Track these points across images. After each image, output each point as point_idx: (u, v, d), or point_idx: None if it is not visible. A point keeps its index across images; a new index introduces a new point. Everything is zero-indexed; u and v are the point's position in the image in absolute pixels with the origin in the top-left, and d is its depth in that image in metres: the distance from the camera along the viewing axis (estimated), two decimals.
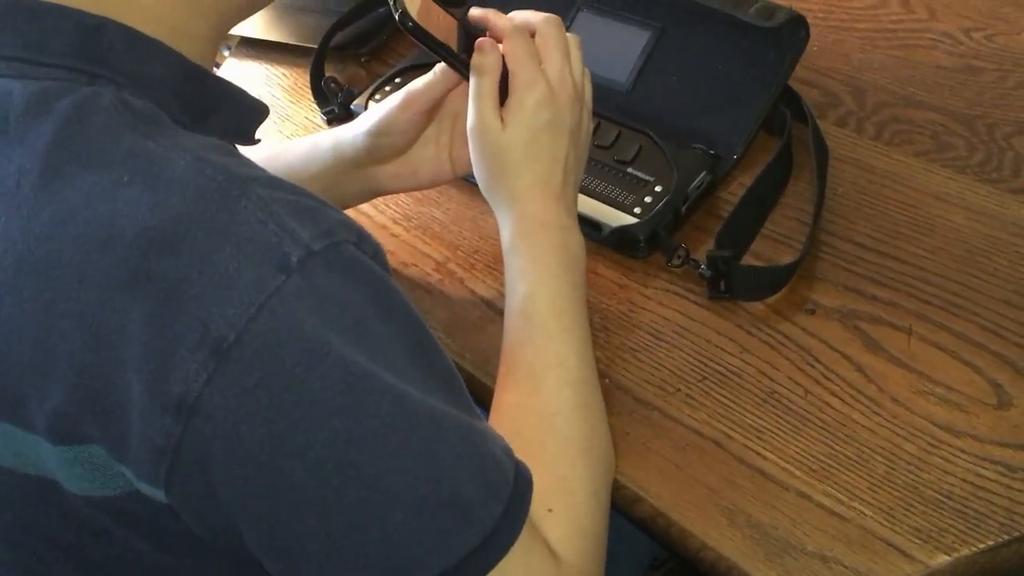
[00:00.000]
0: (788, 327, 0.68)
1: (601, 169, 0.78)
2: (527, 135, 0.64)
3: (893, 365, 0.65)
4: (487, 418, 0.61)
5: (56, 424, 0.46)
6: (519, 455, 0.52)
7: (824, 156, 0.77)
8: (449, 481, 0.47)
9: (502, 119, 0.65)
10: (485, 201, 0.68)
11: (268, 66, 1.02)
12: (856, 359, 0.66)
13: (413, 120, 0.71)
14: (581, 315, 0.63)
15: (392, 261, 0.73)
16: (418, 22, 0.62)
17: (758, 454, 0.62)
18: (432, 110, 0.72)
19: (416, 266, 0.78)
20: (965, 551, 0.56)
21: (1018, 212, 0.73)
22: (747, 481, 0.61)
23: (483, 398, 0.67)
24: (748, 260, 0.73)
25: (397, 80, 0.89)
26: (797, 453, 0.62)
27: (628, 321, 0.71)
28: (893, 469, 0.60)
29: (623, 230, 0.74)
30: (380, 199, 0.81)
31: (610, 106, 0.81)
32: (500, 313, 0.71)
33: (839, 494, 0.60)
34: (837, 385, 0.65)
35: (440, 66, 0.70)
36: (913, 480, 0.59)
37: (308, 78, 0.93)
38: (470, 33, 0.68)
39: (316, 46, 0.94)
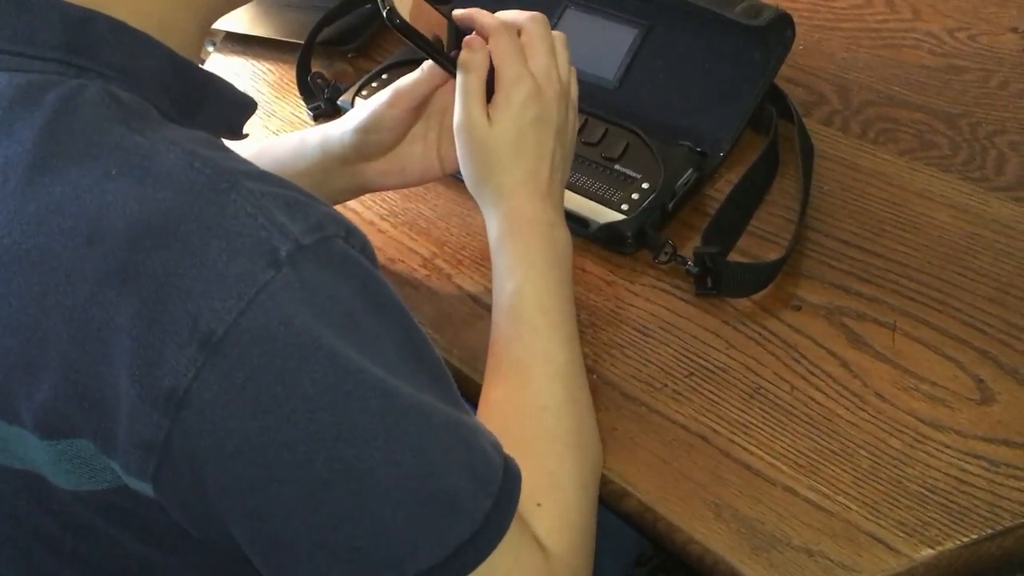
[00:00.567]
0: (774, 323, 0.69)
1: (588, 166, 0.78)
2: (514, 131, 0.64)
3: (878, 361, 0.66)
4: (475, 414, 0.61)
5: (44, 418, 0.46)
6: (507, 450, 0.52)
7: (810, 154, 0.78)
8: (438, 475, 0.47)
9: (488, 116, 0.65)
10: (472, 197, 0.68)
11: (254, 61, 1.01)
12: (841, 355, 0.66)
13: (400, 117, 0.71)
14: (569, 311, 0.64)
15: (379, 257, 0.72)
16: (405, 19, 0.62)
17: (744, 449, 0.63)
18: (420, 107, 0.72)
19: (403, 262, 0.78)
20: (949, 544, 0.57)
21: (1000, 210, 0.74)
22: (733, 476, 0.61)
23: (471, 394, 0.67)
24: (734, 257, 0.73)
25: (384, 76, 0.89)
26: (783, 448, 0.62)
27: (615, 317, 0.72)
28: (878, 464, 0.61)
29: (610, 226, 0.74)
30: (367, 195, 0.81)
31: (597, 103, 0.82)
32: (487, 309, 0.72)
33: (824, 488, 0.60)
34: (822, 381, 0.65)
35: (428, 63, 0.70)
36: (897, 475, 0.60)
37: (294, 74, 0.93)
38: (458, 31, 0.68)
39: (302, 41, 0.94)
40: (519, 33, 0.66)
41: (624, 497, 0.62)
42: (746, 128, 0.81)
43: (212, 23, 0.57)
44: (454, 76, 0.66)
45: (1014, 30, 0.89)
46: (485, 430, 0.52)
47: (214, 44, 1.07)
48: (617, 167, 0.78)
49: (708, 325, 0.70)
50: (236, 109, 0.58)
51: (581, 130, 0.78)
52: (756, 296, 0.70)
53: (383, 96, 0.71)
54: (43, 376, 0.45)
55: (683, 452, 0.63)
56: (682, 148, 0.78)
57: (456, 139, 0.66)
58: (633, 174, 0.77)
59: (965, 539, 0.57)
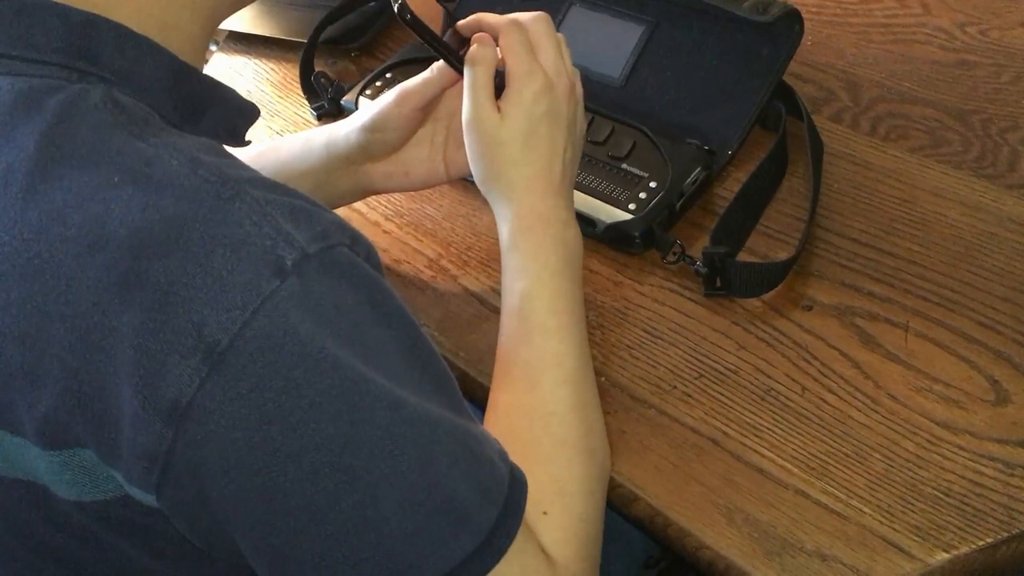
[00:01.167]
0: (785, 324, 0.68)
1: (595, 165, 0.77)
2: (526, 125, 0.63)
3: (890, 362, 0.65)
4: (482, 416, 0.60)
5: (45, 428, 0.45)
6: (514, 456, 0.52)
7: (819, 152, 0.77)
8: (444, 486, 0.47)
9: (499, 111, 0.64)
10: (478, 198, 0.68)
11: (257, 61, 1.00)
12: (853, 356, 0.66)
13: (407, 116, 0.70)
14: (579, 313, 0.63)
15: (384, 258, 0.72)
16: (415, 14, 0.62)
17: (756, 452, 0.62)
18: (427, 108, 0.71)
19: (409, 263, 0.78)
20: (964, 548, 0.56)
21: (1014, 207, 0.73)
22: (745, 479, 0.61)
23: (477, 396, 0.67)
24: (744, 256, 0.73)
25: (388, 75, 0.88)
26: (795, 451, 0.62)
27: (623, 318, 0.71)
28: (891, 466, 0.60)
29: (618, 226, 0.74)
30: (372, 196, 0.80)
31: (604, 102, 0.81)
32: (493, 310, 0.71)
33: (837, 492, 0.59)
34: (834, 382, 0.64)
35: (437, 63, 0.69)
36: (911, 477, 0.59)
37: (297, 73, 0.92)
38: (455, 32, 0.68)
39: (305, 40, 0.93)
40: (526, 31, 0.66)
41: (634, 501, 0.62)
42: (754, 126, 0.80)
43: (216, 26, 0.57)
44: (462, 73, 0.66)
45: None
46: (491, 439, 0.51)
47: (217, 43, 1.06)
48: (624, 166, 0.77)
49: (717, 326, 0.69)
50: (239, 115, 0.57)
51: (587, 129, 0.77)
52: (766, 296, 0.70)
53: (390, 95, 0.71)
54: (45, 386, 0.45)
55: (693, 455, 0.62)
56: (690, 146, 0.77)
57: (465, 135, 0.65)
58: (640, 173, 0.76)
59: (980, 543, 0.56)
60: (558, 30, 0.69)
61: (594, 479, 0.59)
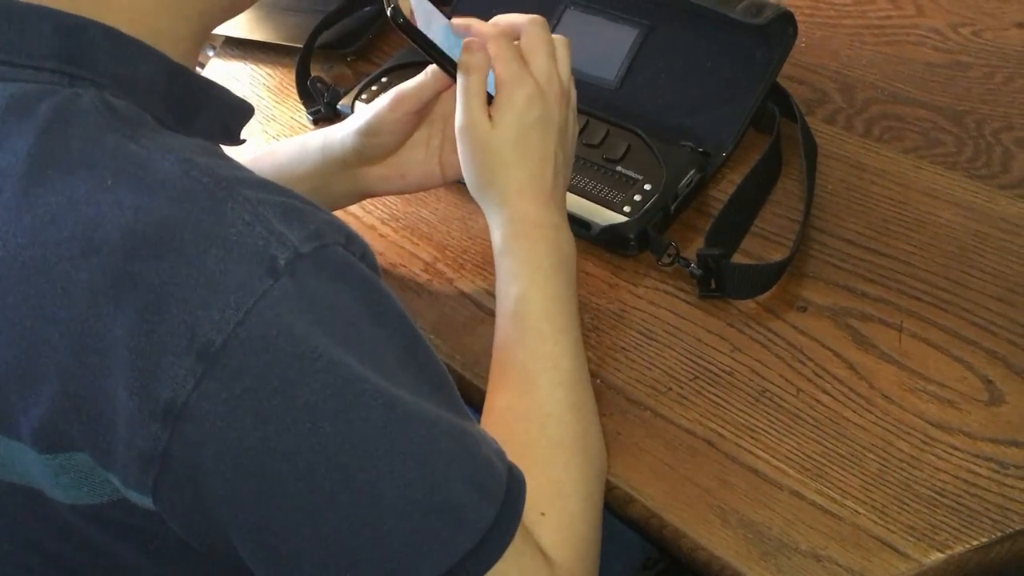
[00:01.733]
0: (779, 325, 0.68)
1: (590, 168, 0.77)
2: (517, 132, 0.64)
3: (884, 362, 0.65)
4: (479, 419, 0.61)
5: (41, 432, 0.46)
6: (511, 458, 0.52)
7: (813, 153, 0.77)
8: (442, 485, 0.47)
9: (491, 117, 0.64)
10: (474, 201, 0.68)
11: (253, 66, 1.01)
12: (847, 357, 0.66)
13: (403, 120, 0.71)
14: (574, 316, 0.63)
15: (380, 262, 0.72)
16: (409, 19, 0.62)
17: (751, 453, 0.62)
18: (422, 111, 0.72)
19: (405, 266, 0.78)
20: (959, 548, 0.56)
21: (1007, 208, 0.73)
22: (740, 480, 0.61)
23: (473, 398, 0.67)
24: (738, 258, 0.73)
25: (383, 80, 0.88)
26: (790, 452, 0.62)
27: (619, 320, 0.71)
28: (886, 467, 0.60)
29: (613, 228, 0.74)
30: (369, 200, 0.80)
31: (598, 104, 0.81)
32: (489, 313, 0.71)
33: (832, 492, 0.59)
34: (829, 383, 0.65)
35: (431, 67, 0.69)
36: (906, 478, 0.59)
37: (293, 78, 0.93)
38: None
39: (301, 46, 0.94)
40: (520, 36, 0.66)
41: (630, 503, 0.62)
42: (748, 128, 0.80)
43: (207, 32, 0.57)
44: (455, 79, 0.66)
45: (1019, 25, 0.88)
46: (489, 438, 0.52)
47: (214, 48, 1.06)
48: (619, 168, 0.77)
49: (712, 328, 0.69)
50: (233, 114, 0.57)
51: (582, 131, 0.77)
52: (761, 298, 0.70)
53: (385, 99, 0.71)
54: (40, 389, 0.45)
55: (688, 457, 0.63)
56: (684, 148, 0.77)
57: (458, 141, 0.66)
58: (635, 175, 0.76)
59: (975, 543, 0.56)
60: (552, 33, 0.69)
61: (591, 480, 0.59)
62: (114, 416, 0.44)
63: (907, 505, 0.58)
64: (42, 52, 0.48)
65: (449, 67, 0.66)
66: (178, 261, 0.43)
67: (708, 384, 0.66)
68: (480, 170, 0.65)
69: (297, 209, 0.46)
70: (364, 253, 0.49)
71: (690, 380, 0.66)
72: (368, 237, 0.79)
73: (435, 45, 0.64)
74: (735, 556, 0.58)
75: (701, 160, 0.77)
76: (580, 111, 0.70)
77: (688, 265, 0.71)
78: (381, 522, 0.45)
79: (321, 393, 0.44)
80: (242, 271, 0.43)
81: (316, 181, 0.74)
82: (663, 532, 0.61)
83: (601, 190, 0.76)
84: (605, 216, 0.74)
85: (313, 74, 0.93)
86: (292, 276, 0.44)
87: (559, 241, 0.64)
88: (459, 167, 0.67)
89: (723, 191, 0.77)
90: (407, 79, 0.72)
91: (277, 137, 0.92)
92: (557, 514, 0.55)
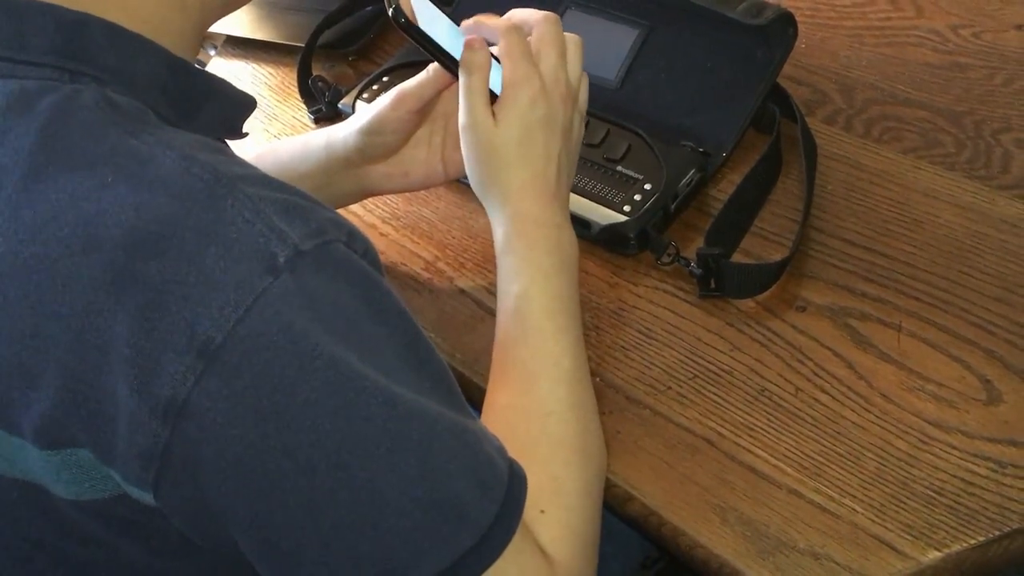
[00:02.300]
0: (778, 324, 0.68)
1: (591, 167, 0.77)
2: (521, 131, 0.64)
3: (883, 362, 0.65)
4: (479, 417, 0.61)
5: (43, 428, 0.46)
6: (512, 455, 0.52)
7: (813, 153, 0.77)
8: (443, 481, 0.47)
9: (495, 116, 0.64)
10: (474, 200, 0.68)
11: (255, 65, 1.01)
12: (846, 356, 0.66)
13: (404, 119, 0.71)
14: (575, 315, 0.63)
15: (381, 261, 0.72)
16: (410, 19, 0.62)
17: (749, 452, 0.62)
18: (424, 110, 0.72)
19: (405, 265, 0.78)
20: (956, 547, 0.56)
21: (1006, 208, 0.73)
22: (739, 479, 0.61)
23: (473, 397, 0.67)
24: (738, 258, 0.73)
25: (385, 79, 0.89)
26: (788, 450, 0.62)
27: (619, 319, 0.71)
28: (884, 466, 0.60)
29: (613, 228, 0.74)
30: (370, 199, 0.81)
31: (599, 104, 0.81)
32: (490, 312, 0.71)
33: (830, 491, 0.60)
34: (827, 382, 0.65)
35: (433, 65, 0.69)
36: (904, 476, 0.60)
37: (295, 77, 0.93)
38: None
39: (303, 45, 0.94)
40: (530, 33, 0.66)
41: (628, 501, 0.62)
42: (749, 128, 0.80)
43: (207, 27, 0.57)
44: (457, 77, 0.66)
45: (1018, 27, 0.88)
46: (490, 435, 0.52)
47: (215, 48, 1.07)
48: (619, 168, 0.77)
49: (712, 327, 0.69)
50: (235, 108, 0.57)
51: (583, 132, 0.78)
52: (760, 297, 0.70)
53: (387, 98, 0.71)
54: (42, 386, 0.45)
55: (688, 455, 0.63)
56: (684, 148, 0.78)
57: (462, 139, 0.66)
58: (635, 175, 0.76)
59: (972, 541, 0.57)
60: None
61: (591, 478, 0.59)
62: (115, 413, 0.44)
63: (905, 504, 0.58)
64: (43, 48, 0.49)
65: (451, 66, 0.66)
66: (178, 259, 0.43)
67: (707, 383, 0.66)
68: (483, 168, 0.65)
69: (298, 206, 0.47)
70: (366, 250, 0.50)
71: (689, 379, 0.67)
72: (369, 236, 0.79)
73: (437, 44, 0.64)
74: (733, 554, 0.58)
75: (701, 160, 0.77)
76: None
77: (688, 264, 0.71)
78: (382, 519, 0.46)
79: (321, 390, 0.44)
80: (242, 269, 0.43)
81: (319, 180, 0.74)
82: (662, 530, 0.61)
83: (601, 189, 0.76)
84: (605, 215, 0.75)
85: (315, 73, 0.93)
86: (292, 273, 0.44)
87: (561, 240, 0.65)
88: (461, 165, 0.67)
89: (723, 191, 0.78)
90: (408, 78, 0.72)
91: (279, 136, 0.92)
92: (557, 511, 0.55)
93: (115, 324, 0.43)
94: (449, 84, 0.70)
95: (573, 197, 0.74)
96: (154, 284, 0.43)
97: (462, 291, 0.75)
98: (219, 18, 0.57)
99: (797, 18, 0.79)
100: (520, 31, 0.65)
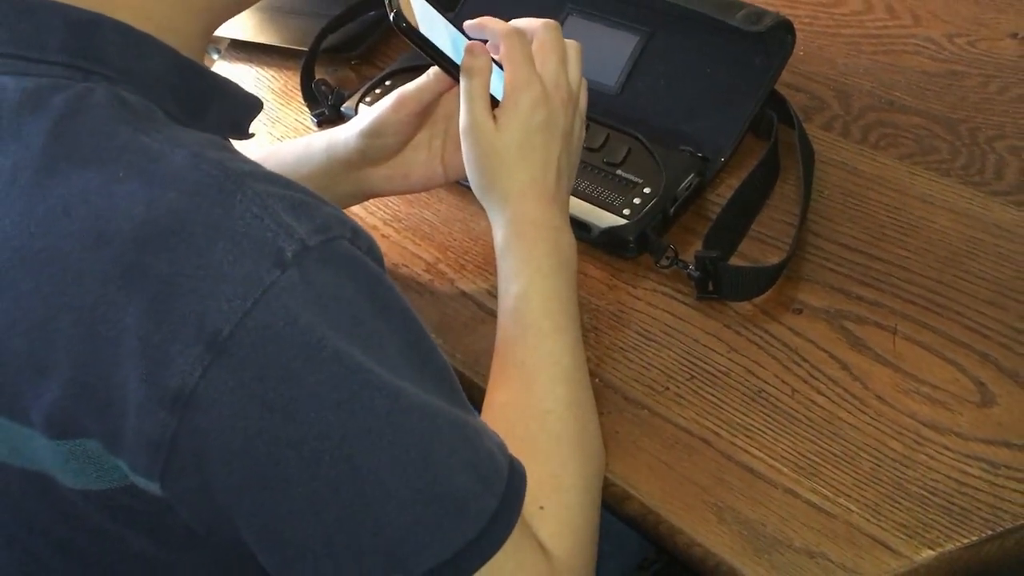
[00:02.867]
0: (775, 327, 0.69)
1: (591, 171, 0.78)
2: (521, 135, 0.64)
3: (879, 364, 0.66)
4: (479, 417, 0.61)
5: (52, 418, 0.46)
6: (511, 452, 0.53)
7: (810, 159, 0.78)
8: (444, 475, 0.48)
9: (495, 119, 0.65)
10: (475, 202, 0.69)
11: (258, 68, 1.02)
12: (842, 358, 0.67)
13: (405, 121, 0.72)
14: (573, 315, 0.64)
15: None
16: (411, 23, 0.63)
17: (746, 452, 0.63)
18: (425, 112, 0.73)
19: (407, 267, 0.79)
20: (950, 546, 0.57)
21: (1000, 214, 0.74)
22: (735, 478, 0.62)
23: (474, 397, 0.67)
24: (736, 261, 0.74)
25: (387, 82, 0.90)
26: (784, 451, 0.63)
27: (617, 321, 0.72)
28: (879, 466, 0.61)
29: (612, 231, 0.75)
30: (371, 201, 0.81)
31: (599, 109, 0.82)
32: (490, 313, 0.72)
33: (826, 491, 0.60)
34: (823, 384, 0.66)
35: (433, 69, 0.70)
36: (898, 477, 0.60)
37: (298, 80, 0.94)
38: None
39: (306, 48, 0.95)
40: (531, 40, 0.67)
41: (626, 500, 0.63)
42: (747, 133, 0.81)
43: (215, 28, 0.58)
44: (458, 81, 0.67)
45: (1013, 36, 0.89)
46: (490, 431, 0.52)
47: (219, 51, 1.08)
48: (619, 172, 0.78)
49: (709, 329, 0.70)
50: (242, 108, 0.58)
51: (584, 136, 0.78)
52: (757, 300, 0.71)
53: (388, 100, 0.72)
54: (52, 376, 0.46)
55: (685, 455, 0.63)
56: (683, 153, 0.78)
57: (462, 142, 0.66)
58: (635, 179, 0.77)
59: (966, 541, 0.57)
60: None
61: (590, 475, 0.60)
62: (124, 403, 0.45)
63: (899, 504, 0.59)
64: (54, 47, 0.49)
65: (452, 70, 0.67)
66: (188, 252, 0.44)
67: (705, 384, 0.67)
68: (483, 171, 0.66)
69: (305, 203, 0.47)
70: (370, 247, 0.50)
71: (687, 380, 0.67)
72: None
73: (438, 48, 0.65)
74: (730, 553, 0.59)
75: (700, 164, 0.78)
76: None
77: (686, 267, 0.72)
78: (384, 511, 0.46)
79: (326, 383, 0.45)
80: (250, 262, 0.44)
81: (321, 181, 0.75)
82: (659, 528, 0.61)
83: (601, 193, 0.77)
84: (605, 219, 0.75)
85: (317, 77, 0.94)
86: (299, 268, 0.45)
87: (559, 242, 0.65)
88: (461, 167, 0.68)
89: (721, 195, 0.79)
90: (410, 82, 0.73)
91: (282, 139, 0.93)
92: (555, 507, 0.56)
93: (125, 316, 0.44)
94: (450, 87, 0.71)
95: (573, 200, 0.75)
96: (164, 277, 0.44)
97: (463, 293, 0.76)
98: (225, 20, 0.58)
99: (796, 26, 0.80)
100: (522, 35, 0.66)
